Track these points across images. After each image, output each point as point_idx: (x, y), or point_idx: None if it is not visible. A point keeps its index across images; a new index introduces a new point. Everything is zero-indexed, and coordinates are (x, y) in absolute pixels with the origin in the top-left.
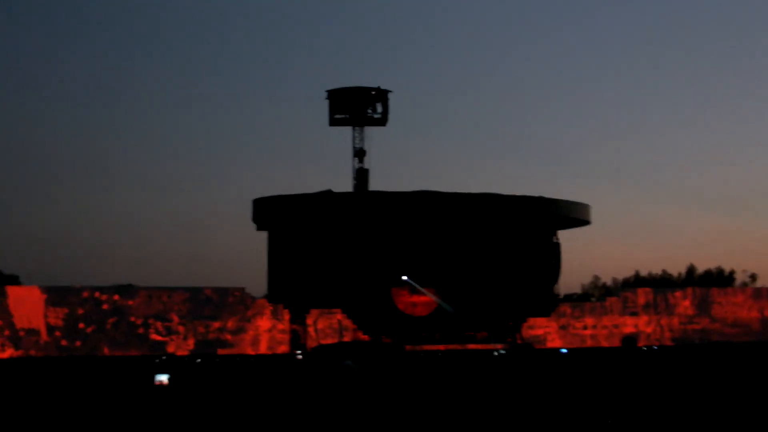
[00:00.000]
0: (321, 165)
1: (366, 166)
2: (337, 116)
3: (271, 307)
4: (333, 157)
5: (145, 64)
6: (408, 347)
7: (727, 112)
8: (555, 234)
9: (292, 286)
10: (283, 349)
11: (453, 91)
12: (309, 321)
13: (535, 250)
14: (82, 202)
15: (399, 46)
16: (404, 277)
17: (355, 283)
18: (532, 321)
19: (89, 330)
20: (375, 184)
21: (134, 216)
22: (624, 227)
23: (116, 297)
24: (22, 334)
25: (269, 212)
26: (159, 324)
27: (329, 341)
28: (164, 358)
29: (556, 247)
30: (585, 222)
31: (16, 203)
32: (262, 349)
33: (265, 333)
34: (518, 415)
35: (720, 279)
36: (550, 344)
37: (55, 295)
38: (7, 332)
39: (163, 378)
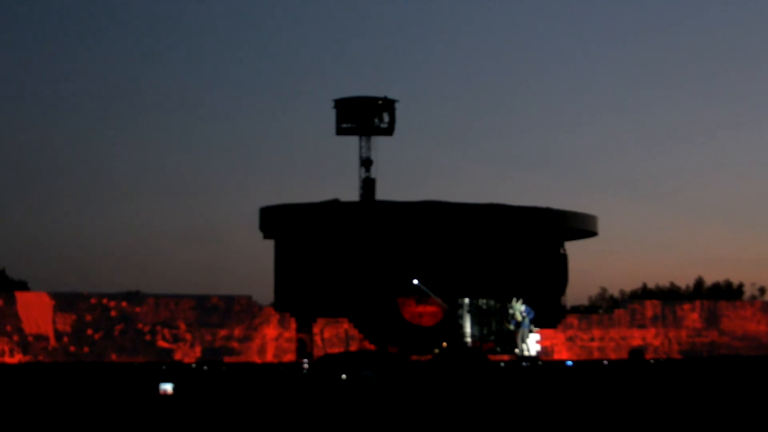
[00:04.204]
0: (328, 174)
1: (373, 175)
2: (344, 125)
3: (277, 316)
4: (340, 166)
5: (154, 73)
6: (414, 357)
7: (736, 125)
8: (562, 245)
9: (298, 294)
10: (289, 357)
11: (460, 101)
12: (315, 330)
13: (542, 261)
14: (91, 209)
15: (406, 56)
16: (415, 281)
17: (362, 292)
18: (538, 332)
19: (97, 336)
20: (381, 193)
21: (142, 223)
22: (632, 239)
23: (124, 304)
24: (30, 339)
25: (276, 221)
26: (166, 331)
27: (336, 350)
28: (163, 368)
29: (564, 258)
30: (592, 233)
31: (25, 209)
32: (269, 357)
33: (272, 341)
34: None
35: (728, 292)
36: (557, 356)
37: (64, 301)
38: (15, 337)
39: (168, 387)
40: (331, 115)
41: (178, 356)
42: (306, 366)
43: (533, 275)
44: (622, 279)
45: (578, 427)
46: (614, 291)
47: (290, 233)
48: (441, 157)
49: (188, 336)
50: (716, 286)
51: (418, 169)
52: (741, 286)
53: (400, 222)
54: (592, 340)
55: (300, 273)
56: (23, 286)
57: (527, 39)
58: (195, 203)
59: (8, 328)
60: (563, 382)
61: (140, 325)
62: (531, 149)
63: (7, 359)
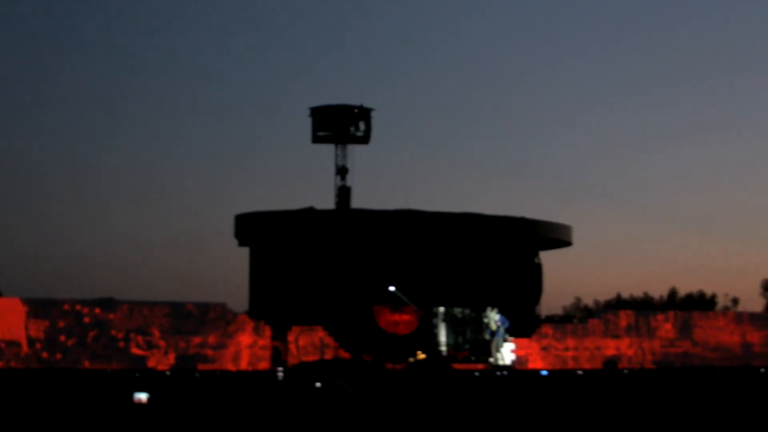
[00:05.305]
0: (303, 182)
1: (348, 183)
2: (320, 134)
3: (252, 323)
4: (315, 174)
5: (130, 81)
6: (389, 366)
7: (710, 137)
8: (537, 255)
9: (273, 302)
10: (263, 365)
11: (436, 110)
12: (290, 338)
13: (517, 271)
14: (65, 214)
15: (383, 65)
16: (392, 288)
17: (337, 300)
18: (513, 341)
19: (70, 343)
20: (357, 201)
21: (117, 230)
22: (606, 249)
23: (97, 310)
24: (2, 345)
25: (251, 228)
26: (140, 338)
27: (310, 358)
28: (137, 375)
29: (538, 267)
30: (567, 243)
31: None
32: (243, 365)
33: (246, 349)
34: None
35: (702, 302)
36: (531, 365)
37: (37, 308)
38: None
39: (142, 397)
40: (307, 123)
41: (151, 363)
42: (281, 374)
43: (508, 285)
44: (596, 289)
45: None
46: (589, 301)
47: (265, 241)
48: (417, 165)
49: (162, 343)
50: (690, 297)
51: (393, 177)
52: (714, 296)
53: (376, 230)
54: (567, 349)
55: (275, 280)
56: None
57: (503, 51)
58: (170, 210)
59: None
60: (538, 391)
61: (114, 332)
62: (507, 159)
63: None
